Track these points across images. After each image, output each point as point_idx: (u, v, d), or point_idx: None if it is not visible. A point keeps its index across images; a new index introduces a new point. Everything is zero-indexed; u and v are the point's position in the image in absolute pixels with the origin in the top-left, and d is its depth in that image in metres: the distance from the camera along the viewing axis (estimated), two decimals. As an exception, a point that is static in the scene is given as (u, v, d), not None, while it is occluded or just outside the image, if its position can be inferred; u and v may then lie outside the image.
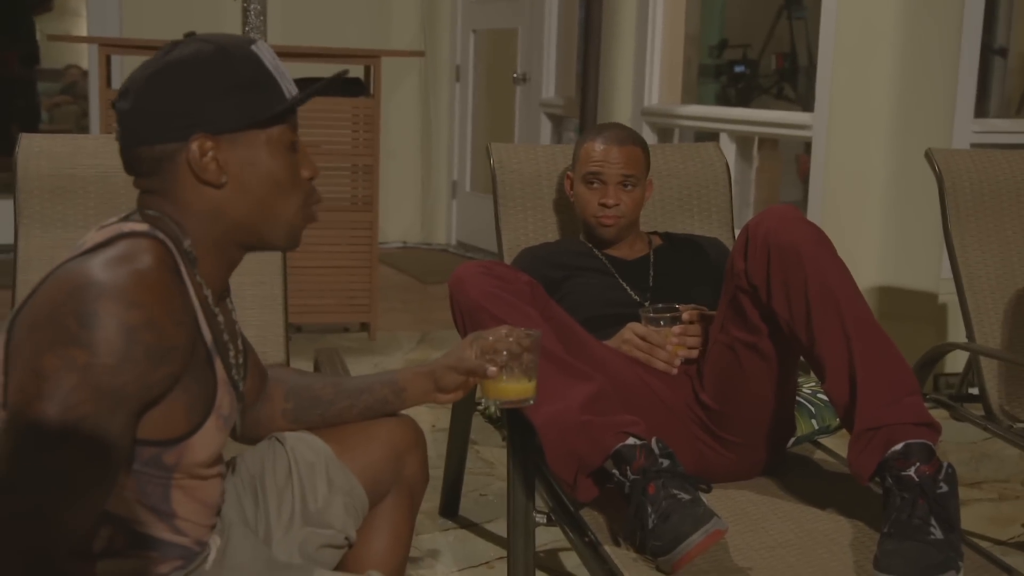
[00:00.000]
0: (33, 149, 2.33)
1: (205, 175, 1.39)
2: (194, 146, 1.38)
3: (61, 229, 2.32)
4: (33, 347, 1.25)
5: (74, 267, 1.30)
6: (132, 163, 1.42)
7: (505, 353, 1.68)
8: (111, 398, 1.24)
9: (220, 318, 1.46)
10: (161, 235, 1.36)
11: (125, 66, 5.37)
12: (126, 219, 1.42)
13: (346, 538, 1.66)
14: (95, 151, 2.36)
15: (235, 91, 1.39)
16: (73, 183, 2.33)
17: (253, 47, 1.42)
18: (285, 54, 4.43)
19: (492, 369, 1.67)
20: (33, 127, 5.03)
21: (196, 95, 1.38)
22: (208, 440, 1.41)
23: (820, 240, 1.90)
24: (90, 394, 1.23)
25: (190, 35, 1.44)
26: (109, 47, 4.15)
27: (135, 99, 1.39)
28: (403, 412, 1.76)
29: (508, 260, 2.58)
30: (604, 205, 2.45)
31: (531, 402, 1.72)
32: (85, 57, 6.74)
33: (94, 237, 1.36)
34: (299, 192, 1.46)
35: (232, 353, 1.48)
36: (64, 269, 1.31)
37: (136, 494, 1.37)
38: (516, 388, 1.70)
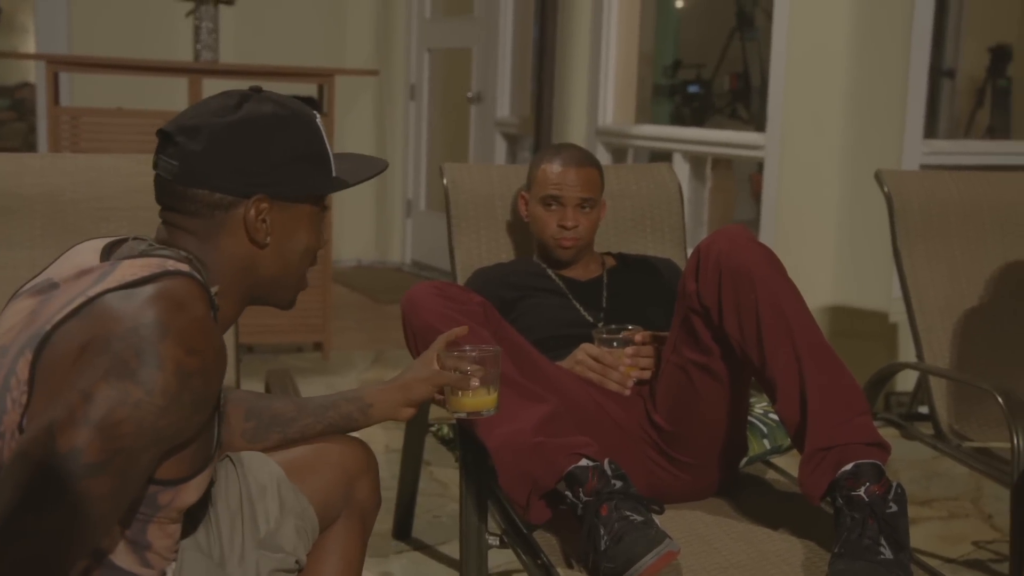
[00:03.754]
0: (-23, 168, 2.29)
1: (255, 234, 1.43)
2: (253, 205, 1.42)
3: (6, 249, 2.28)
4: (80, 371, 1.24)
5: (124, 301, 1.28)
6: (178, 199, 1.43)
7: (469, 368, 1.71)
8: (150, 437, 1.25)
9: None
10: (200, 279, 1.37)
11: (74, 83, 5.32)
12: (154, 250, 1.39)
13: (296, 561, 1.64)
14: (41, 169, 2.31)
15: (302, 162, 1.46)
16: (19, 202, 2.28)
17: (317, 119, 1.49)
18: (237, 72, 4.41)
19: (475, 382, 1.71)
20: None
21: (270, 157, 1.43)
22: (202, 484, 1.42)
23: (771, 262, 1.91)
24: (134, 429, 1.23)
25: (256, 90, 1.48)
26: (57, 64, 4.10)
27: (209, 143, 1.40)
28: (354, 435, 1.74)
29: (461, 280, 2.58)
30: (563, 227, 2.45)
31: (494, 412, 1.76)
32: (33, 74, 6.67)
33: (132, 270, 1.32)
34: (312, 262, 1.53)
35: (221, 400, 1.49)
36: (109, 300, 1.28)
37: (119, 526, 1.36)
38: (483, 401, 1.73)
